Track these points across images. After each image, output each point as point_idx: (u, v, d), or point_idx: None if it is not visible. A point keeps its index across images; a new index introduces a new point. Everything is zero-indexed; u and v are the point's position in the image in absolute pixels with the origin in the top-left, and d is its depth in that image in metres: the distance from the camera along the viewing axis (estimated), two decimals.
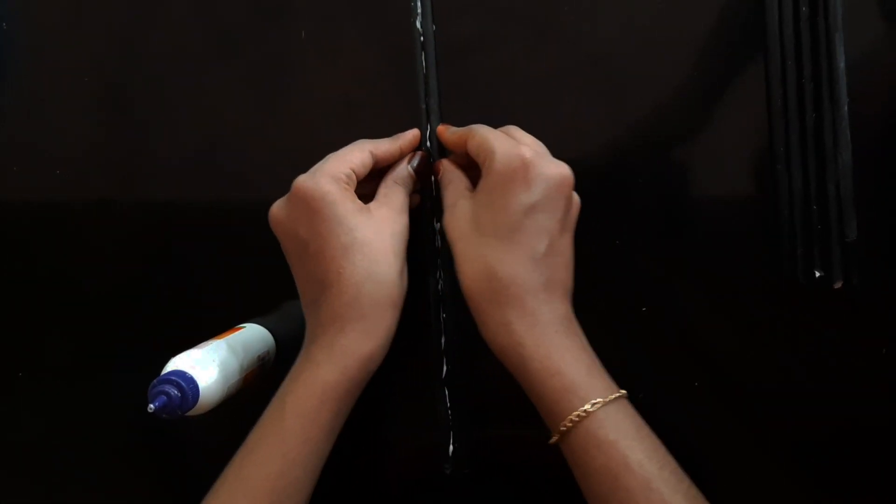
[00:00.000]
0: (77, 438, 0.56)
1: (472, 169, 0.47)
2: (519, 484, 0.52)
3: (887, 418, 0.49)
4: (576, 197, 0.46)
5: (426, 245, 0.51)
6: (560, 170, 0.44)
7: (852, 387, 0.49)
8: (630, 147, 0.51)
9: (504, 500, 0.53)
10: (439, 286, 0.51)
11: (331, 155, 0.47)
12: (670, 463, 0.41)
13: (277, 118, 0.54)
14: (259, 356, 0.49)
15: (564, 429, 0.41)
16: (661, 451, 0.41)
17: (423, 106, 0.51)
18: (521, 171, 0.43)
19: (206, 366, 0.45)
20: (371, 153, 0.47)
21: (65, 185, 0.56)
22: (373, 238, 0.44)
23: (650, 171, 0.51)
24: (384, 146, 0.48)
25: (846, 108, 0.46)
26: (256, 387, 0.49)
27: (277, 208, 0.46)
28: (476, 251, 0.44)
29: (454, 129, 0.49)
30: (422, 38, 0.52)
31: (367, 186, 0.48)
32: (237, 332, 0.50)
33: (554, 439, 0.42)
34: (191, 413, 0.43)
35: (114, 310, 0.56)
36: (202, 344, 0.47)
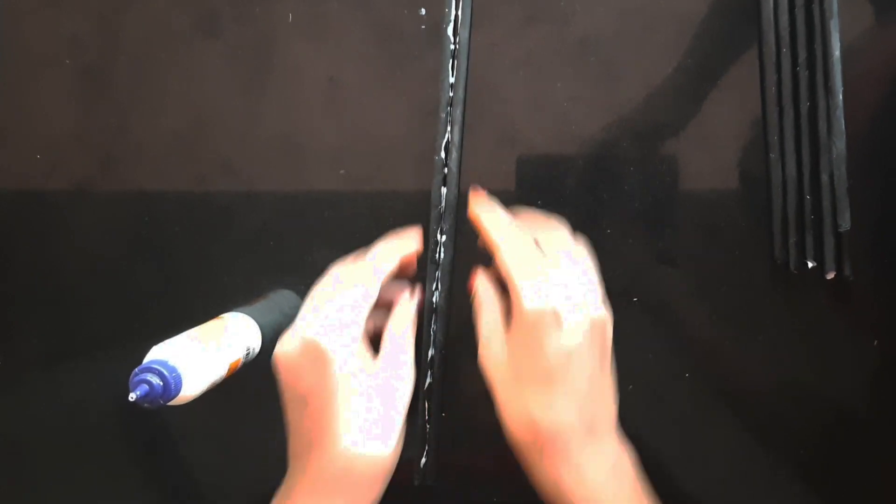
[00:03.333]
0: (56, 429, 0.55)
1: None
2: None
3: (878, 409, 0.49)
4: (609, 327, 0.43)
5: (426, 256, 0.50)
6: (596, 315, 0.42)
7: (844, 377, 0.49)
8: (621, 134, 0.51)
9: None
10: (434, 298, 0.50)
11: (344, 287, 0.44)
12: None
13: (262, 102, 0.53)
14: (243, 345, 0.49)
15: None
16: None
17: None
18: (553, 319, 0.40)
19: (189, 355, 0.44)
20: (379, 283, 0.45)
21: (44, 171, 0.55)
22: (379, 408, 0.42)
23: (641, 159, 0.50)
24: (389, 266, 0.46)
25: (841, 96, 0.46)
26: (240, 376, 0.48)
27: (285, 354, 0.43)
28: (517, 400, 0.42)
29: (484, 216, 0.45)
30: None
31: None
32: (221, 321, 0.49)
33: None
34: (173, 402, 0.43)
35: (95, 298, 0.55)
36: (185, 333, 0.46)
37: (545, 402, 0.41)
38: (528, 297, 0.41)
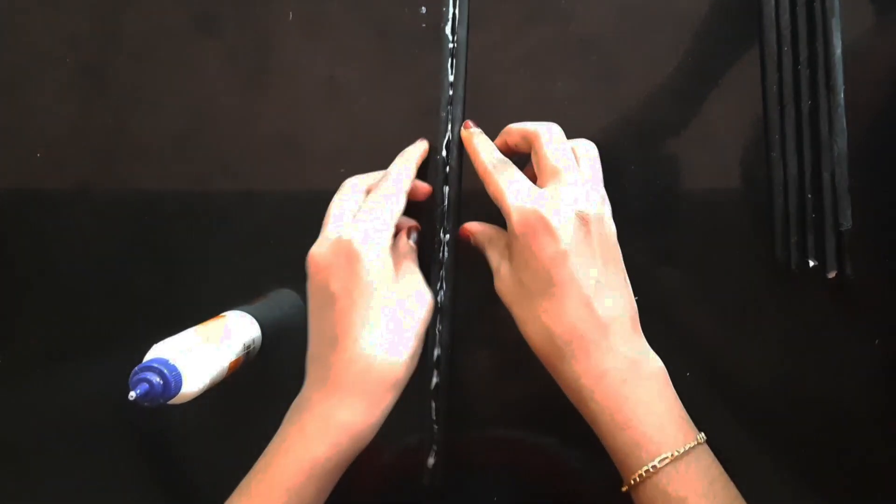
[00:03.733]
0: (56, 428, 0.55)
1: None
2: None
3: (879, 408, 0.49)
4: (607, 221, 0.44)
5: (431, 256, 0.50)
6: (586, 210, 0.42)
7: (845, 376, 0.49)
8: (622, 134, 0.51)
9: None
10: (439, 298, 0.50)
11: (375, 199, 0.45)
12: None
13: (262, 101, 0.53)
14: (244, 344, 0.49)
15: (633, 482, 0.40)
16: None
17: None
18: (540, 226, 0.41)
19: (189, 353, 0.44)
20: (405, 195, 0.46)
21: (44, 169, 0.55)
22: (402, 316, 0.44)
23: (642, 158, 0.50)
24: (411, 176, 0.48)
25: (842, 94, 0.46)
26: (241, 375, 0.48)
27: (319, 254, 0.44)
28: (531, 314, 0.43)
29: (474, 140, 0.47)
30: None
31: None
32: (221, 320, 0.49)
33: (624, 489, 0.42)
34: (173, 401, 0.42)
35: (95, 297, 0.55)
36: (185, 331, 0.46)
37: (554, 309, 0.42)
38: (516, 213, 0.42)
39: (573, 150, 0.45)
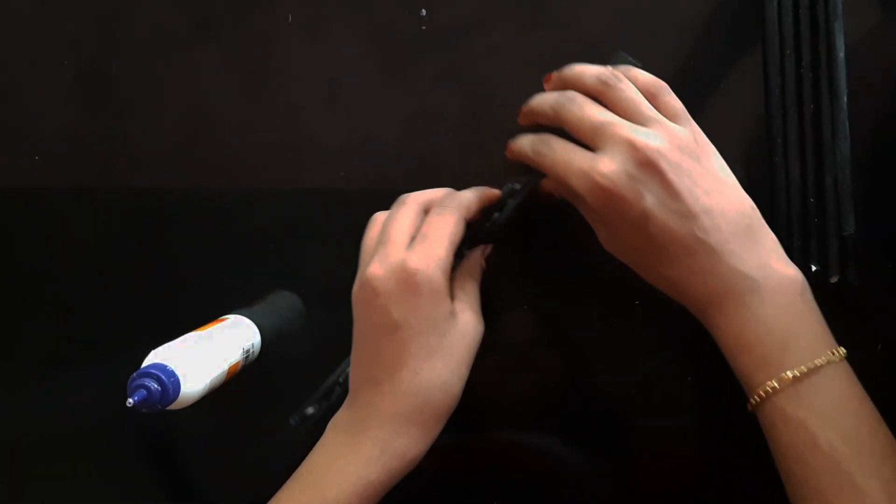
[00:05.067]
0: (53, 433, 0.55)
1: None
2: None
3: (882, 414, 0.48)
4: (672, 141, 0.41)
5: None
6: (633, 158, 0.40)
7: None
8: None
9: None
10: None
11: (437, 221, 0.44)
12: (874, 443, 0.38)
13: (262, 103, 0.53)
14: (243, 348, 0.48)
15: (753, 402, 0.40)
16: (864, 429, 0.39)
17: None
18: (613, 200, 0.40)
19: (188, 358, 0.44)
20: (465, 222, 0.45)
21: (42, 171, 0.55)
22: (456, 348, 0.44)
23: None
24: (473, 207, 0.46)
25: (845, 98, 0.45)
26: (240, 380, 0.48)
27: (379, 278, 0.43)
28: (646, 268, 0.44)
29: (521, 144, 0.45)
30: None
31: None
32: (220, 324, 0.49)
33: (749, 408, 0.41)
34: (172, 407, 0.42)
35: (93, 300, 0.55)
36: (184, 336, 0.46)
37: (662, 260, 0.42)
38: (582, 190, 0.41)
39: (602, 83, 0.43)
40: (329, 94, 0.52)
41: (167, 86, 0.54)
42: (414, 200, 0.46)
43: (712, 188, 0.41)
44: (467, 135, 0.51)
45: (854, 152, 0.46)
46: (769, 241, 0.42)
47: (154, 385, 0.41)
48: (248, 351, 0.49)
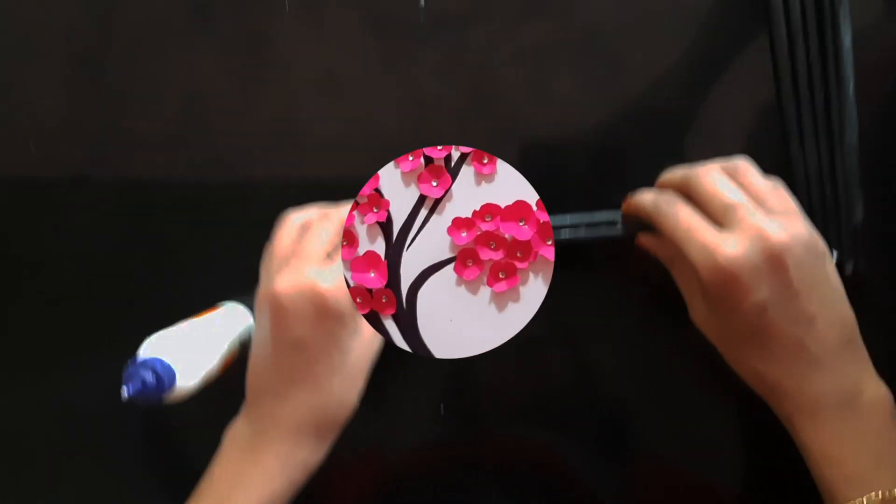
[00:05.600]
0: (48, 424, 0.55)
1: None
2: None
3: None
4: (799, 244, 0.39)
5: None
6: (771, 254, 0.38)
7: None
8: (628, 128, 0.50)
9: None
10: None
11: (330, 244, 0.44)
12: None
13: (258, 93, 0.53)
14: (238, 336, 0.48)
15: None
16: None
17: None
18: (732, 285, 0.39)
19: (183, 348, 0.43)
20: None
21: (38, 162, 0.55)
22: (358, 364, 0.45)
23: (648, 154, 0.49)
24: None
25: (852, 85, 0.45)
26: (237, 370, 0.47)
27: (288, 296, 0.43)
28: (737, 356, 0.42)
29: (644, 198, 0.45)
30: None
31: None
32: (215, 312, 0.48)
33: None
34: (170, 399, 0.42)
35: (87, 290, 0.54)
36: (179, 324, 0.46)
37: (761, 355, 0.41)
38: (703, 269, 0.39)
39: (744, 181, 0.42)
40: (326, 84, 0.52)
41: (163, 75, 0.53)
42: (337, 216, 0.46)
43: (827, 295, 0.40)
44: (466, 124, 0.51)
45: (861, 140, 0.45)
46: (865, 357, 0.41)
47: (149, 376, 0.41)
48: (243, 339, 0.49)
